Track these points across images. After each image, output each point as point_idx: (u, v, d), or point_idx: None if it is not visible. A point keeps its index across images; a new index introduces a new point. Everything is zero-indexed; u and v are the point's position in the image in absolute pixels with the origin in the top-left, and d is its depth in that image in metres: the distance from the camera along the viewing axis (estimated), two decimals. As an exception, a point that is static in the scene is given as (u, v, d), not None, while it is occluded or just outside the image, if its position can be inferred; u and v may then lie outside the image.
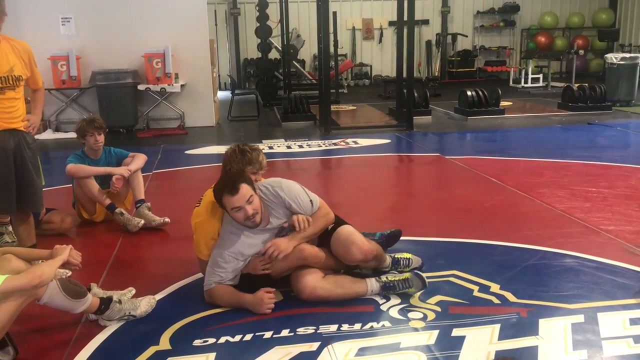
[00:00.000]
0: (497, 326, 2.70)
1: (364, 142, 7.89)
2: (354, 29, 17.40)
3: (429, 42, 17.49)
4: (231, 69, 16.60)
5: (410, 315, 2.85)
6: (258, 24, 12.38)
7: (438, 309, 2.90)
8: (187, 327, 2.81)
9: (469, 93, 9.88)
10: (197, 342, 2.65)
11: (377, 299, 3.03)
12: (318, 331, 2.70)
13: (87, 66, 9.07)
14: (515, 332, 2.65)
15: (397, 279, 3.06)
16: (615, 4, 17.65)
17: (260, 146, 7.43)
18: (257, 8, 12.50)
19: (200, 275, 3.22)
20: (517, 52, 18.09)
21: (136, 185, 4.49)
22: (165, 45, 9.04)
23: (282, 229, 3.06)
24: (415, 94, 9.58)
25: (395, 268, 3.30)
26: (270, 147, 7.64)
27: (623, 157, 6.45)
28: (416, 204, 5.15)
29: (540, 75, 14.33)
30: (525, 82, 14.08)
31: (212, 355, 2.54)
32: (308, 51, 16.45)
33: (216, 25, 15.66)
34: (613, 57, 10.94)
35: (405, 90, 9.10)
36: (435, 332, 2.66)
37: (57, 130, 9.23)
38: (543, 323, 2.71)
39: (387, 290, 3.05)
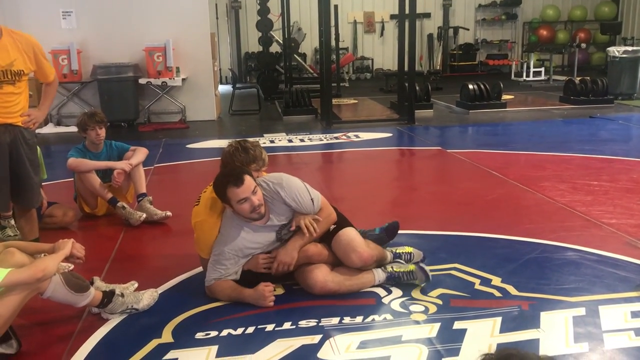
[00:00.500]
0: (499, 319, 2.70)
1: (365, 135, 7.89)
2: (355, 22, 17.36)
3: (430, 36, 17.45)
4: (232, 62, 16.58)
5: (412, 308, 2.86)
6: (259, 17, 12.35)
7: (440, 302, 2.91)
8: (189, 320, 2.82)
9: (470, 86, 9.87)
10: (199, 335, 2.65)
11: (379, 292, 3.03)
12: (320, 324, 2.71)
13: (88, 60, 9.07)
14: (517, 325, 2.66)
15: (402, 270, 3.08)
16: (617, -3, 17.62)
17: (262, 140, 7.53)
18: (258, 1, 12.46)
19: (202, 268, 3.23)
20: (519, 45, 18.05)
21: (137, 179, 4.49)
22: (166, 39, 9.03)
23: (283, 226, 3.05)
24: (417, 88, 9.56)
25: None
26: (272, 141, 7.64)
27: (625, 150, 6.45)
28: (418, 198, 5.15)
29: (542, 69, 14.30)
30: (527, 76, 14.06)
31: (215, 347, 2.54)
32: (309, 45, 16.41)
33: (217, 18, 15.61)
34: (615, 51, 10.91)
35: (406, 84, 9.08)
36: (437, 325, 2.67)
37: (58, 124, 9.23)
38: (544, 316, 2.72)
39: (392, 281, 3.07)
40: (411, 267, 3.09)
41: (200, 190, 3.27)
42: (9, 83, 3.32)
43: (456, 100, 10.30)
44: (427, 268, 3.07)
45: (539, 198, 4.69)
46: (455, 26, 17.40)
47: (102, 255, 3.71)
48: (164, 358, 2.48)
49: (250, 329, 2.69)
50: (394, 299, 2.96)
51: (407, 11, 8.89)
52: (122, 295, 2.86)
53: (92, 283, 2.88)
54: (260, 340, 2.59)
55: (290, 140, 7.70)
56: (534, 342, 2.51)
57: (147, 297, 2.94)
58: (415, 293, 3.01)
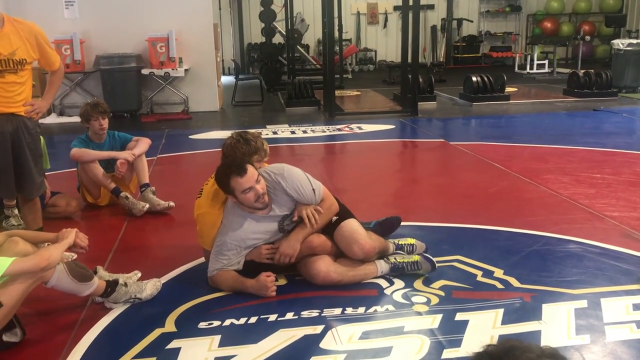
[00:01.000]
0: (501, 311, 2.71)
1: (368, 127, 7.88)
2: (358, 13, 17.29)
3: (434, 27, 17.38)
4: (235, 53, 16.54)
5: (414, 299, 2.87)
6: (262, 8, 12.31)
7: (442, 293, 2.92)
8: (192, 309, 2.84)
9: (474, 79, 9.84)
10: (202, 325, 2.67)
11: (381, 283, 3.04)
12: (322, 314, 2.72)
13: (91, 50, 9.05)
14: (519, 316, 2.67)
15: (406, 260, 3.09)
16: (622, -11, 17.50)
17: (264, 131, 7.53)
18: (261, -8, 12.43)
19: (204, 259, 3.24)
20: (522, 37, 17.97)
21: (140, 169, 4.50)
22: (169, 30, 9.00)
23: (285, 216, 3.05)
24: (420, 80, 9.53)
25: (399, 254, 3.31)
26: (274, 132, 7.63)
27: (628, 143, 6.43)
28: (420, 190, 5.15)
29: (546, 61, 14.25)
30: (531, 68, 14.01)
31: (217, 337, 2.56)
32: (312, 36, 16.37)
33: (220, 9, 15.56)
34: (620, 43, 10.86)
35: (410, 76, 9.06)
36: (439, 316, 2.68)
37: (61, 114, 9.23)
38: (546, 308, 2.72)
39: (395, 271, 3.08)
40: (415, 257, 3.10)
41: (203, 181, 3.28)
42: (12, 72, 3.30)
43: (459, 92, 10.27)
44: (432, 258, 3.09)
45: (542, 190, 4.69)
46: (458, 18, 17.33)
47: (105, 245, 3.73)
48: (167, 347, 2.50)
49: (253, 319, 2.70)
50: (396, 290, 2.97)
51: (410, 2, 8.84)
52: (126, 284, 2.87)
53: (95, 272, 2.89)
54: (263, 330, 2.60)
55: (292, 132, 7.70)
56: (536, 334, 2.51)
57: (150, 287, 2.95)
58: (418, 284, 3.02)
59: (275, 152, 4.43)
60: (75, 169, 4.62)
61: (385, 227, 3.58)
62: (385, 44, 17.51)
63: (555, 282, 3.01)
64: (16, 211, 4.01)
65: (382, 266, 3.09)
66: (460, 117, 8.81)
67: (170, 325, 2.68)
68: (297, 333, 2.57)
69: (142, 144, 4.56)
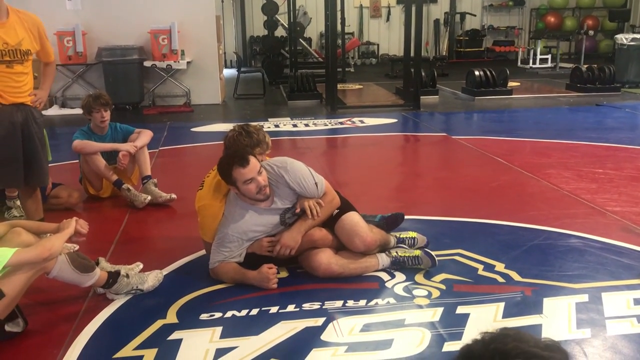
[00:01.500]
0: (502, 304, 2.72)
1: (370, 121, 7.87)
2: (361, 6, 17.22)
3: (437, 21, 17.31)
4: (237, 46, 16.50)
5: (415, 292, 2.87)
6: (264, 1, 12.28)
7: (443, 286, 2.92)
8: (193, 301, 2.84)
9: (476, 73, 9.81)
10: (203, 316, 2.68)
11: (382, 276, 3.05)
12: (323, 307, 2.73)
13: (93, 42, 9.04)
14: (520, 310, 2.67)
15: (407, 254, 3.09)
16: (626, -17, 17.42)
17: (266, 125, 7.52)
18: (264, -15, 12.40)
19: (205, 252, 3.25)
20: (525, 32, 17.91)
21: (142, 161, 4.50)
22: (172, 22, 8.99)
23: (287, 209, 3.05)
24: (423, 74, 9.52)
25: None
26: (276, 126, 7.63)
27: (630, 138, 6.41)
28: (422, 184, 5.15)
29: (549, 56, 14.20)
30: (534, 63, 13.97)
31: (219, 329, 2.57)
32: (315, 29, 16.33)
33: (222, 1, 15.51)
34: (623, 38, 10.82)
35: (412, 70, 9.04)
36: (440, 310, 2.68)
37: (63, 106, 9.23)
38: (547, 302, 2.73)
39: (396, 265, 3.09)
40: (416, 252, 3.11)
41: (204, 174, 3.28)
42: (19, 62, 3.34)
43: (462, 86, 10.25)
44: (433, 253, 3.09)
45: (544, 185, 4.69)
46: (462, 12, 17.26)
47: (107, 237, 3.73)
48: (169, 338, 2.51)
49: (255, 311, 2.71)
50: (397, 283, 2.98)
51: (413, -4, 8.82)
52: (127, 276, 2.88)
53: (97, 263, 2.90)
54: (264, 322, 2.61)
55: (294, 125, 7.69)
56: (537, 328, 2.52)
57: (152, 278, 2.96)
58: (419, 278, 3.03)
59: (277, 145, 4.40)
60: (77, 160, 4.63)
61: (390, 223, 3.58)
62: (388, 38, 17.46)
63: (557, 276, 3.01)
64: (18, 202, 4.02)
65: (383, 259, 3.09)
66: (462, 112, 8.79)
67: (171, 317, 2.69)
68: (299, 325, 2.58)
69: (144, 136, 4.56)
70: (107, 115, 4.43)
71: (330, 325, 2.57)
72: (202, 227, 3.18)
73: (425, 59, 13.50)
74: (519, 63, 14.64)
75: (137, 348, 2.44)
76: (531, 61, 14.07)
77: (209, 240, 3.12)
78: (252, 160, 2.86)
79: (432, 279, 3.01)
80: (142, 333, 2.55)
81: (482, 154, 5.81)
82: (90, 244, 3.11)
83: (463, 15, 17.24)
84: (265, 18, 12.68)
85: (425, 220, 3.87)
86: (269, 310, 2.71)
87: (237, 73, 10.97)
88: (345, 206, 3.18)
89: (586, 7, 17.50)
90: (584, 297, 2.78)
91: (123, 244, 3.68)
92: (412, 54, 9.10)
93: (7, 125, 3.35)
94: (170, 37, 9.01)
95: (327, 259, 2.98)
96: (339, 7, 10.97)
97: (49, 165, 4.50)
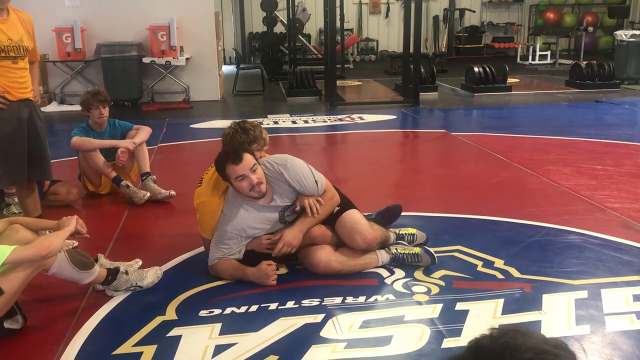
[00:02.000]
0: (501, 301, 2.72)
1: (369, 117, 7.86)
2: (360, 3, 17.19)
3: (436, 18, 17.28)
4: (236, 42, 16.47)
5: (414, 289, 2.87)
6: (264, -3, 12.25)
7: (442, 283, 2.92)
8: (193, 298, 2.84)
9: (476, 69, 9.80)
10: (203, 313, 2.67)
11: (382, 272, 3.05)
12: (323, 303, 2.72)
13: (92, 38, 9.01)
14: (519, 306, 2.67)
15: (406, 252, 3.09)
16: (626, -20, 17.40)
17: (265, 121, 7.51)
18: (263, -19, 12.36)
19: (204, 249, 3.24)
20: (525, 28, 17.88)
21: (141, 158, 4.49)
22: (170, 18, 8.97)
23: (286, 207, 3.05)
24: (422, 70, 9.50)
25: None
26: (275, 122, 7.62)
27: (630, 135, 6.41)
28: (421, 180, 5.15)
29: (548, 52, 14.19)
30: (533, 59, 13.95)
31: (218, 325, 2.56)
32: (314, 25, 16.30)
33: (221, -2, 15.51)
34: (623, 34, 10.80)
35: (411, 66, 9.03)
36: (439, 306, 2.68)
37: (62, 102, 9.20)
38: (546, 298, 2.73)
39: (396, 262, 3.09)
40: (416, 249, 3.10)
41: (203, 170, 3.28)
42: (22, 58, 3.38)
43: (461, 83, 10.24)
44: (432, 250, 3.09)
45: (543, 182, 4.68)
46: (461, 8, 17.22)
47: (106, 234, 3.73)
48: (168, 335, 2.51)
49: (254, 308, 2.71)
50: (396, 279, 2.97)
51: (413, -8, 8.80)
52: (127, 272, 2.88)
53: (96, 260, 2.89)
54: (264, 318, 2.61)
55: (294, 122, 7.68)
56: (536, 324, 2.52)
57: (151, 275, 2.95)
58: (418, 274, 3.03)
59: (276, 141, 4.41)
60: (76, 157, 4.62)
61: (387, 216, 3.57)
62: (387, 34, 17.43)
63: (556, 272, 3.01)
64: (17, 199, 4.01)
65: (383, 256, 3.09)
66: (461, 108, 8.79)
67: (171, 313, 2.69)
68: (298, 322, 2.58)
69: (143, 132, 4.56)
70: (105, 111, 4.42)
71: (330, 321, 2.57)
72: (201, 223, 3.17)
73: (425, 55, 13.46)
74: (518, 59, 14.62)
75: (137, 344, 2.44)
76: (530, 57, 14.06)
77: (207, 237, 3.12)
78: (246, 157, 2.85)
79: (432, 276, 3.00)
80: (141, 330, 2.55)
81: (481, 151, 5.81)
82: (89, 240, 3.10)
83: (462, 11, 17.21)
84: (265, 14, 12.66)
85: (424, 217, 3.87)
86: (268, 306, 2.71)
87: (236, 69, 10.95)
88: (346, 204, 3.17)
89: (585, 4, 17.48)
90: (584, 294, 2.78)
91: (122, 240, 3.68)
92: (411, 50, 9.09)
93: (15, 122, 3.38)
94: (169, 34, 8.99)
95: (326, 256, 2.98)
96: (338, 4, 10.95)
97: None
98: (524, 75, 12.14)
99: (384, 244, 3.19)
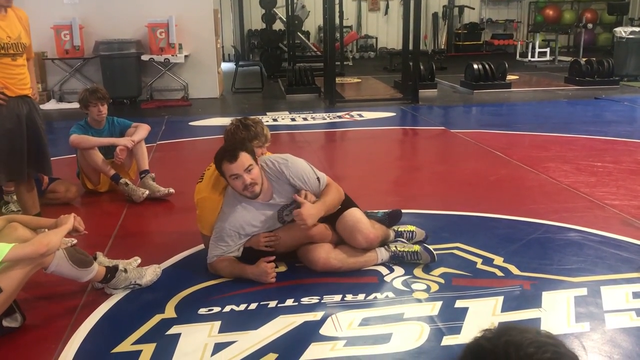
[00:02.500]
0: (500, 298, 2.71)
1: (368, 115, 7.85)
2: (359, 0, 17.16)
3: (435, 15, 17.27)
4: (235, 40, 16.45)
5: (414, 286, 2.87)
6: (262, -6, 12.22)
7: (442, 280, 2.92)
8: (192, 295, 2.84)
9: (475, 66, 9.79)
10: (202, 311, 2.67)
11: (381, 270, 3.04)
12: (322, 301, 2.72)
13: (90, 36, 9.00)
14: (518, 304, 2.66)
15: (406, 250, 3.09)
16: (625, -24, 17.37)
17: (264, 118, 7.50)
18: (262, -22, 12.33)
19: (204, 246, 3.24)
20: (524, 25, 17.88)
21: (140, 155, 4.48)
22: (169, 15, 8.95)
23: (285, 206, 3.04)
24: (421, 67, 9.49)
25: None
26: (275, 120, 7.61)
27: (629, 132, 6.41)
28: (421, 177, 5.14)
29: (548, 49, 14.18)
30: (532, 56, 13.94)
31: (217, 323, 2.56)
32: (313, 22, 16.28)
33: (220, -5, 15.47)
34: (622, 31, 10.80)
35: (411, 63, 9.01)
36: (439, 304, 2.68)
37: (60, 100, 9.20)
38: (546, 296, 2.72)
39: (395, 260, 3.08)
40: (415, 247, 3.10)
41: (202, 168, 3.27)
42: (20, 55, 3.39)
43: (460, 80, 10.23)
44: (432, 248, 3.09)
45: (543, 179, 4.68)
46: (460, 5, 17.21)
47: (105, 232, 3.72)
48: (167, 333, 2.50)
49: (253, 305, 2.70)
50: (396, 277, 2.97)
51: (412, -11, 8.78)
52: (125, 270, 2.87)
53: (95, 258, 2.88)
54: (263, 316, 2.61)
55: (293, 119, 7.67)
56: (536, 322, 2.51)
57: (150, 273, 2.95)
58: (418, 272, 3.02)
59: (275, 139, 4.37)
60: (75, 155, 4.61)
61: (392, 218, 3.57)
62: (386, 31, 17.41)
63: (555, 270, 3.00)
64: (15, 197, 4.00)
65: (382, 254, 3.09)
66: (461, 105, 8.78)
67: (170, 311, 2.68)
68: (297, 319, 2.57)
69: (142, 130, 4.55)
70: (104, 109, 4.41)
71: (329, 319, 2.56)
72: (201, 220, 3.17)
73: (424, 52, 13.47)
74: (517, 56, 14.61)
75: (136, 343, 2.44)
76: (530, 54, 14.04)
77: (207, 234, 3.12)
78: (242, 157, 2.83)
79: (431, 273, 3.00)
80: (140, 328, 2.54)
81: (480, 148, 5.81)
82: (88, 238, 3.10)
83: (461, 8, 17.20)
84: (263, 11, 12.63)
85: (423, 214, 3.87)
86: (268, 304, 2.71)
87: (235, 67, 10.93)
88: (347, 202, 3.16)
89: (585, 0, 17.47)
90: (583, 291, 2.77)
91: (121, 238, 3.67)
92: (410, 47, 9.07)
93: (14, 118, 3.39)
94: (168, 31, 8.97)
95: (325, 253, 2.97)
96: (337, 1, 10.93)
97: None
98: (523, 72, 12.13)
99: (383, 242, 3.18)
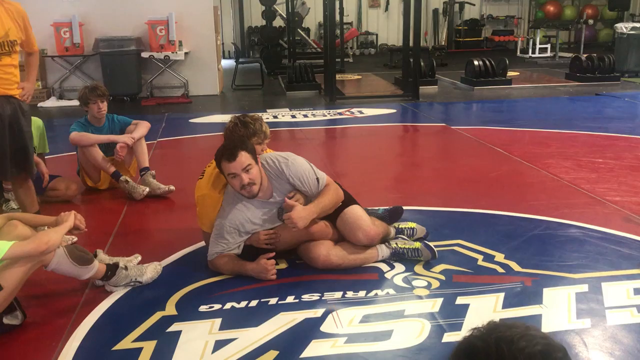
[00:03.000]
0: (501, 295, 2.71)
1: (369, 111, 7.84)
2: (360, -4, 17.14)
3: (435, 11, 17.23)
4: (235, 36, 16.42)
5: (415, 283, 2.86)
6: (263, -9, 12.20)
7: (442, 277, 2.91)
8: (192, 293, 2.84)
9: (475, 63, 9.78)
10: (202, 308, 2.67)
11: (382, 267, 3.04)
12: (323, 298, 2.72)
13: (90, 33, 8.98)
14: (519, 300, 2.66)
15: (407, 246, 3.08)
16: (626, -28, 17.30)
17: (265, 115, 7.49)
18: (262, -26, 12.31)
19: (204, 243, 3.23)
20: (525, 21, 17.83)
21: (140, 153, 4.48)
22: (169, 12, 8.93)
23: (281, 207, 3.03)
24: (422, 64, 9.48)
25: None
26: (275, 117, 7.60)
27: (630, 128, 6.40)
28: (421, 174, 5.13)
29: (548, 45, 14.15)
30: (533, 52, 13.92)
31: (218, 320, 2.56)
32: (313, 19, 16.24)
33: (220, -8, 15.44)
34: (623, 27, 10.77)
35: (411, 60, 9.00)
36: (440, 300, 2.68)
37: (60, 97, 9.18)
38: (547, 292, 2.72)
39: (396, 257, 3.08)
40: (416, 244, 3.10)
41: (203, 165, 3.27)
42: (7, 54, 3.28)
43: (461, 76, 10.21)
44: (432, 245, 3.08)
45: (543, 175, 4.67)
46: (460, 1, 17.15)
47: (105, 229, 3.72)
48: (168, 330, 2.50)
49: (254, 303, 2.70)
50: (396, 274, 2.97)
51: (412, -15, 8.76)
52: (126, 268, 2.87)
53: (95, 256, 2.88)
54: (264, 313, 2.60)
55: (293, 116, 7.66)
56: (537, 318, 2.51)
57: (151, 270, 2.95)
58: (418, 268, 3.02)
59: (275, 136, 4.37)
60: (75, 152, 4.60)
61: (392, 214, 3.57)
62: (387, 28, 17.38)
63: (556, 266, 3.00)
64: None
65: (383, 251, 3.09)
66: (461, 102, 8.76)
67: (170, 309, 2.68)
68: (298, 316, 2.57)
69: (142, 127, 4.54)
70: (103, 106, 4.40)
71: (330, 316, 2.56)
72: (200, 216, 3.16)
73: (424, 48, 13.44)
74: (518, 52, 14.59)
75: (136, 340, 2.44)
76: (530, 51, 14.02)
77: (207, 231, 3.12)
78: (241, 156, 2.82)
79: (432, 270, 3.00)
80: (141, 325, 2.54)
81: (481, 144, 5.80)
82: (89, 236, 3.10)
83: (462, 4, 17.15)
84: (263, 8, 12.61)
85: (424, 211, 3.86)
86: (268, 301, 2.71)
87: (235, 64, 10.91)
88: (347, 199, 3.16)
89: (586, -4, 17.42)
90: (584, 287, 2.77)
91: (121, 236, 3.67)
92: (411, 43, 9.06)
93: None
94: (168, 28, 8.96)
95: (326, 251, 2.97)
96: (337, -3, 10.90)
97: (47, 157, 4.51)
98: (524, 69, 12.12)
99: (384, 239, 3.18)
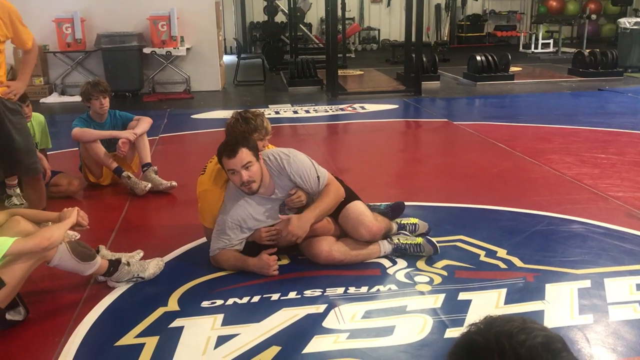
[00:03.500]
0: (504, 290, 2.71)
1: (371, 107, 7.83)
2: (362, -9, 17.10)
3: (438, 6, 17.19)
4: (237, 32, 16.40)
5: (417, 279, 2.86)
6: (264, -13, 12.17)
7: (444, 273, 2.91)
8: (195, 289, 2.84)
9: (478, 58, 9.75)
10: (205, 304, 2.67)
11: (384, 262, 3.04)
12: (325, 294, 2.72)
13: (92, 29, 8.98)
14: (522, 296, 2.66)
15: (409, 242, 3.08)
16: (630, -34, 17.22)
17: (267, 111, 7.49)
18: (264, -30, 12.28)
19: (206, 239, 3.23)
20: (527, 16, 17.77)
21: (142, 148, 4.47)
22: (171, 8, 8.92)
23: (283, 204, 3.03)
24: (424, 59, 9.45)
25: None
26: (277, 112, 7.59)
27: (633, 123, 6.38)
28: (424, 170, 5.13)
29: (551, 41, 14.10)
30: (536, 48, 13.87)
31: (220, 316, 2.56)
32: (315, 14, 16.21)
33: (222, -13, 15.41)
34: (626, 22, 10.73)
35: (413, 55, 8.98)
36: (442, 296, 2.68)
37: (62, 93, 9.18)
38: (549, 288, 2.72)
39: (398, 252, 3.08)
40: (418, 239, 3.09)
41: (204, 161, 3.27)
42: None
43: (463, 71, 10.19)
44: (435, 240, 3.08)
45: (546, 171, 4.66)
46: (463, -4, 17.13)
47: (107, 225, 3.72)
48: (170, 326, 2.50)
49: (256, 298, 2.70)
50: (399, 269, 2.97)
51: (414, -20, 8.73)
52: (128, 264, 2.87)
53: (98, 252, 2.89)
54: (266, 309, 2.61)
55: (295, 112, 7.65)
56: (539, 314, 2.51)
57: (153, 266, 2.95)
58: (420, 264, 3.02)
59: (277, 132, 4.37)
60: (77, 148, 4.61)
61: (394, 210, 3.57)
62: (389, 23, 17.34)
63: (559, 262, 3.00)
64: (18, 190, 4.00)
65: (385, 246, 3.09)
66: (464, 97, 8.75)
67: (173, 304, 2.69)
68: (300, 312, 2.57)
69: (144, 123, 4.54)
70: (106, 102, 4.40)
71: (332, 312, 2.56)
72: (202, 212, 3.16)
73: (427, 44, 13.39)
74: (520, 48, 14.53)
75: (139, 336, 2.44)
76: (533, 46, 13.97)
77: (209, 226, 3.12)
78: (241, 153, 2.81)
79: (434, 266, 3.00)
80: (143, 321, 2.54)
81: (483, 140, 5.79)
82: (91, 232, 3.10)
83: (464, -1, 17.12)
84: (265, 4, 12.59)
85: (426, 207, 3.86)
86: (270, 297, 2.71)
87: (237, 59, 10.90)
88: (349, 195, 3.15)
89: (589, -9, 17.34)
90: (587, 283, 2.77)
91: (124, 231, 3.68)
92: (413, 39, 9.04)
93: None
94: (170, 24, 8.95)
95: (328, 246, 2.97)
96: (339, -8, 10.87)
97: (49, 152, 4.51)
98: (527, 64, 12.08)
99: (386, 235, 3.18)
